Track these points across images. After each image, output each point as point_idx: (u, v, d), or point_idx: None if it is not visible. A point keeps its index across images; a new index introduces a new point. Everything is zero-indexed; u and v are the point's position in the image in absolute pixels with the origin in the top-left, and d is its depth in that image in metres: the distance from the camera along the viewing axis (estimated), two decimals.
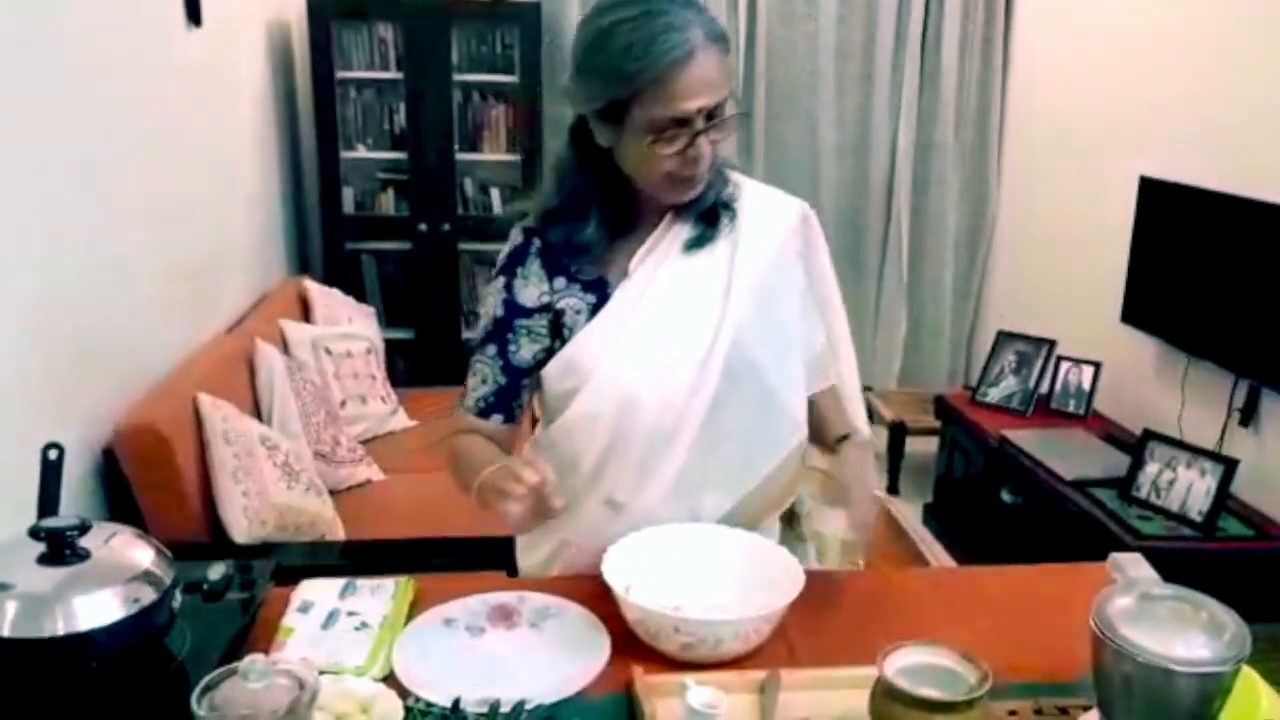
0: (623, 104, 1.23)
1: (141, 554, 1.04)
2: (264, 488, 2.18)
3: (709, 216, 1.37)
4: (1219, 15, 2.98)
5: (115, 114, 2.22)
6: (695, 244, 1.37)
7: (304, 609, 1.24)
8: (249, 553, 2.07)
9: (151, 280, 2.40)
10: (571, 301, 1.36)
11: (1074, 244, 3.76)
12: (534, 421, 1.53)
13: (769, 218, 1.41)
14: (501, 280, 1.39)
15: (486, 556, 2.20)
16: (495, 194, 4.12)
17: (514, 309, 1.37)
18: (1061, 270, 3.87)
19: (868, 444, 1.45)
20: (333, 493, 2.59)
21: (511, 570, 2.17)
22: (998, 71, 4.29)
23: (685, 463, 1.34)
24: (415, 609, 1.25)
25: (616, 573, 1.21)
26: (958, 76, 4.30)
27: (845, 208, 4.40)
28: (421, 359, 4.06)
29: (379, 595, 1.27)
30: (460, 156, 3.97)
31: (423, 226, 3.98)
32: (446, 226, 3.98)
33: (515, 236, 1.40)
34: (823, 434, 1.46)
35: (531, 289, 1.37)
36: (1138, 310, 3.19)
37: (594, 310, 1.35)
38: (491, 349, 1.38)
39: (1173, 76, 3.17)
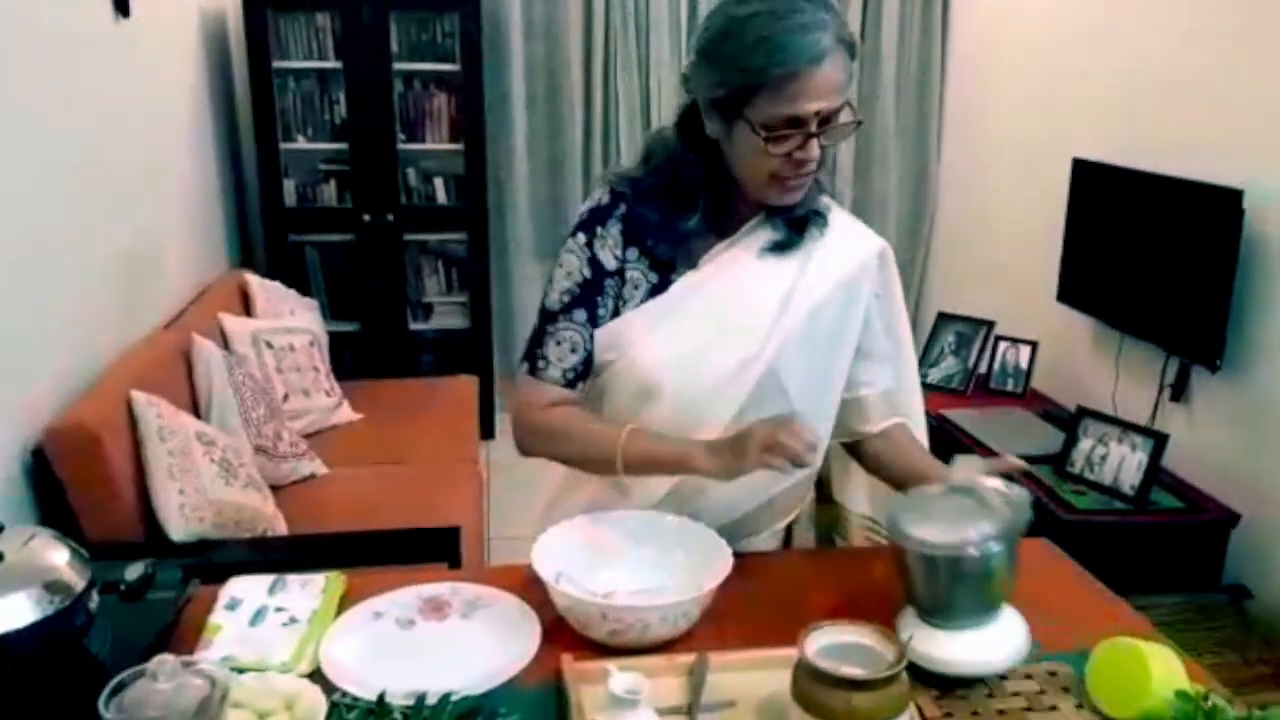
0: (741, 97, 1.21)
1: (57, 555, 1.03)
2: (201, 485, 2.15)
3: (798, 224, 1.35)
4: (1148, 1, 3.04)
5: (40, 109, 2.16)
6: (775, 249, 1.35)
7: (232, 606, 1.23)
8: (187, 551, 2.05)
9: (83, 278, 2.35)
10: (635, 274, 1.35)
11: (1011, 226, 3.82)
12: None
13: (846, 248, 1.39)
14: (583, 238, 1.35)
15: (430, 549, 2.20)
16: (439, 183, 4.09)
17: (599, 269, 1.34)
18: (999, 252, 3.93)
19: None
20: (276, 488, 2.56)
21: (454, 563, 2.18)
22: (936, 57, 4.34)
23: None
24: (348, 604, 1.24)
25: (548, 561, 1.22)
26: (897, 62, 4.34)
27: None
28: (367, 351, 4.03)
29: (308, 590, 1.26)
30: (402, 146, 3.94)
31: (366, 217, 3.93)
32: (390, 217, 3.95)
33: (601, 196, 1.36)
34: (902, 469, 1.39)
35: (608, 252, 1.34)
36: (1073, 290, 3.25)
37: (652, 291, 1.34)
38: (580, 314, 1.33)
39: (1104, 60, 3.23)
